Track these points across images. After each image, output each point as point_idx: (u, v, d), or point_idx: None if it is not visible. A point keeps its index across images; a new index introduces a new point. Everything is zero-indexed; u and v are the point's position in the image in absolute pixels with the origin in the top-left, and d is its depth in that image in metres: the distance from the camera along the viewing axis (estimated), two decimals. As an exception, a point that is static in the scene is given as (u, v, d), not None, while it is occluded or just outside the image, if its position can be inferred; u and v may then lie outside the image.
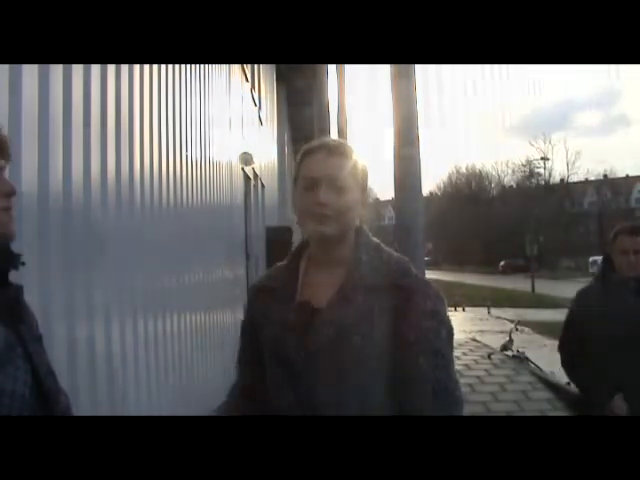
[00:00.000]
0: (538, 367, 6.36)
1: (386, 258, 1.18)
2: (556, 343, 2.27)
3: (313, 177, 1.15)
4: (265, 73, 8.60)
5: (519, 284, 24.33)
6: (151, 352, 2.41)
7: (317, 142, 1.22)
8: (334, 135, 8.35)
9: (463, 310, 16.18)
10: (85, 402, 1.64)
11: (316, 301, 1.14)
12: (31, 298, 1.00)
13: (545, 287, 22.20)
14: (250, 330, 1.23)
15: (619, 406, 1.90)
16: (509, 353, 7.00)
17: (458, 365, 6.21)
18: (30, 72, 1.45)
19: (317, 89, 9.43)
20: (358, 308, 1.10)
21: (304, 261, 1.23)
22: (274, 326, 1.15)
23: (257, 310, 1.21)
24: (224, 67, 4.70)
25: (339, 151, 1.17)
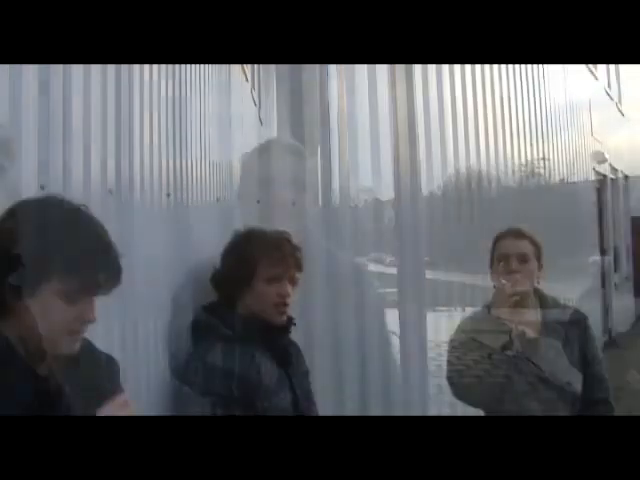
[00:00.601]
0: (538, 367, 6.36)
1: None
2: (556, 343, 2.27)
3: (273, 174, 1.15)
4: (265, 73, 8.60)
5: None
6: (151, 352, 2.41)
7: (270, 140, 1.24)
8: (334, 135, 8.34)
9: (463, 310, 16.18)
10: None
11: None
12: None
13: (545, 287, 22.18)
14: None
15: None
16: (509, 353, 7.00)
17: (458, 365, 6.20)
18: (30, 72, 1.45)
19: (317, 89, 9.45)
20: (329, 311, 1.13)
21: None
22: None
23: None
24: (224, 67, 4.68)
25: (292, 150, 1.18)
